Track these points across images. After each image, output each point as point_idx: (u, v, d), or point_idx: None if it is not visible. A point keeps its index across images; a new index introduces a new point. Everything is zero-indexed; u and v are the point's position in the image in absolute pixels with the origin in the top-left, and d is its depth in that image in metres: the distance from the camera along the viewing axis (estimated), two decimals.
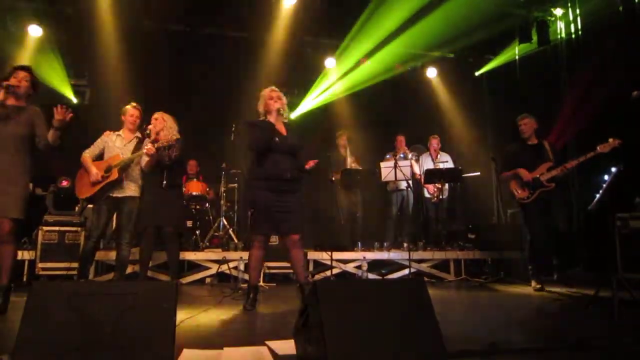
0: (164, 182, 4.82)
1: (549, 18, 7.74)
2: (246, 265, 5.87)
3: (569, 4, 7.42)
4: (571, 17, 7.42)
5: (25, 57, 7.03)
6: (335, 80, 8.52)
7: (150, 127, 4.79)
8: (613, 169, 4.18)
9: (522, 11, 7.71)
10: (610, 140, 4.74)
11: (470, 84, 9.14)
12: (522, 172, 5.26)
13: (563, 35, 7.64)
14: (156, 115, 4.96)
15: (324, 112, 8.56)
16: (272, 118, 3.86)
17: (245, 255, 5.87)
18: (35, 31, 7.08)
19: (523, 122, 5.39)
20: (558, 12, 7.69)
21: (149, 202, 4.84)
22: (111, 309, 1.90)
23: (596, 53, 6.56)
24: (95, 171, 4.62)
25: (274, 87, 4.04)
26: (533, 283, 5.22)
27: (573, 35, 7.35)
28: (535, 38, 7.72)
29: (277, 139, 3.83)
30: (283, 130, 3.94)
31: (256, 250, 3.94)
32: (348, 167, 6.91)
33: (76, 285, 2.18)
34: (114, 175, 4.58)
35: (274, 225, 3.87)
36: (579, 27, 7.28)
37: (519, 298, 4.80)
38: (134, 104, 4.96)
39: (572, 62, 7.39)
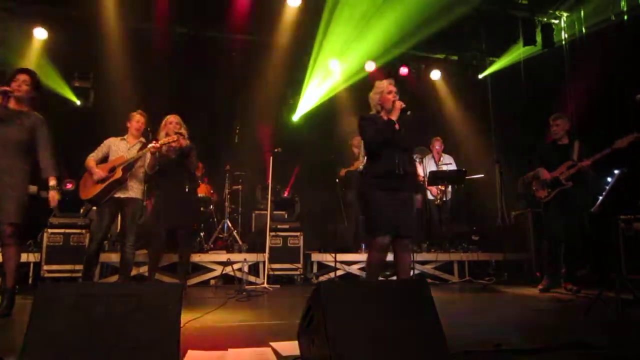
0: (186, 187, 4.93)
1: (553, 21, 7.74)
2: (250, 267, 5.90)
3: (573, 7, 7.40)
4: (576, 24, 7.42)
5: (28, 59, 7.07)
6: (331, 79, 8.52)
7: (181, 130, 4.83)
8: (616, 171, 4.17)
9: (526, 14, 7.71)
10: (629, 135, 4.65)
11: (474, 85, 9.14)
12: (542, 171, 5.26)
13: (566, 36, 7.63)
14: (178, 119, 4.98)
15: (325, 113, 8.56)
16: (392, 115, 3.66)
17: (249, 257, 5.90)
18: (40, 33, 7.12)
19: (556, 122, 5.31)
20: (562, 14, 7.69)
21: (168, 205, 4.86)
22: (117, 311, 1.91)
23: (600, 55, 6.53)
24: (98, 170, 4.65)
25: (392, 80, 3.80)
26: (543, 282, 5.24)
27: (577, 32, 7.33)
28: (539, 40, 7.72)
29: (392, 134, 3.66)
30: (396, 125, 3.74)
31: (376, 253, 3.64)
32: (360, 166, 6.87)
33: (82, 287, 2.20)
34: (118, 174, 4.59)
35: (391, 224, 3.59)
36: (583, 29, 7.27)
37: (524, 299, 4.79)
38: (140, 111, 5.00)
39: (576, 64, 7.37)
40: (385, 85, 3.75)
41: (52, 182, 3.74)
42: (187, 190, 4.97)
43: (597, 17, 6.98)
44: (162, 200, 4.89)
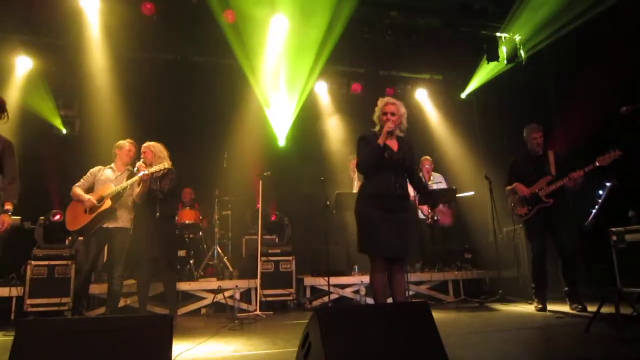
0: (158, 213, 4.79)
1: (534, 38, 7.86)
2: (242, 294, 5.78)
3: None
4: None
5: (14, 87, 6.99)
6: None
7: (139, 164, 4.75)
8: (607, 184, 4.17)
9: (503, 32, 7.84)
10: (611, 152, 4.58)
11: (460, 103, 9.20)
12: (520, 187, 5.10)
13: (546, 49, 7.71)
14: (144, 148, 4.93)
15: (315, 135, 8.55)
16: (381, 139, 3.59)
17: (240, 283, 5.78)
18: (24, 62, 7.05)
19: (539, 135, 5.10)
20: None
21: (143, 234, 4.78)
22: (104, 347, 1.81)
23: (584, 66, 6.57)
24: (88, 197, 4.56)
25: (390, 100, 3.77)
26: (535, 303, 5.09)
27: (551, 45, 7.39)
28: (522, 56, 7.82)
29: (386, 154, 3.61)
30: (395, 146, 3.70)
31: (376, 275, 3.60)
32: (354, 191, 6.81)
33: (66, 323, 2.09)
34: (107, 204, 4.51)
35: (384, 245, 3.54)
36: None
37: (521, 318, 4.72)
38: (130, 140, 4.94)
39: (558, 75, 7.44)
40: (382, 105, 3.76)
41: (8, 206, 3.61)
42: (159, 216, 4.84)
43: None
44: (138, 229, 4.81)
